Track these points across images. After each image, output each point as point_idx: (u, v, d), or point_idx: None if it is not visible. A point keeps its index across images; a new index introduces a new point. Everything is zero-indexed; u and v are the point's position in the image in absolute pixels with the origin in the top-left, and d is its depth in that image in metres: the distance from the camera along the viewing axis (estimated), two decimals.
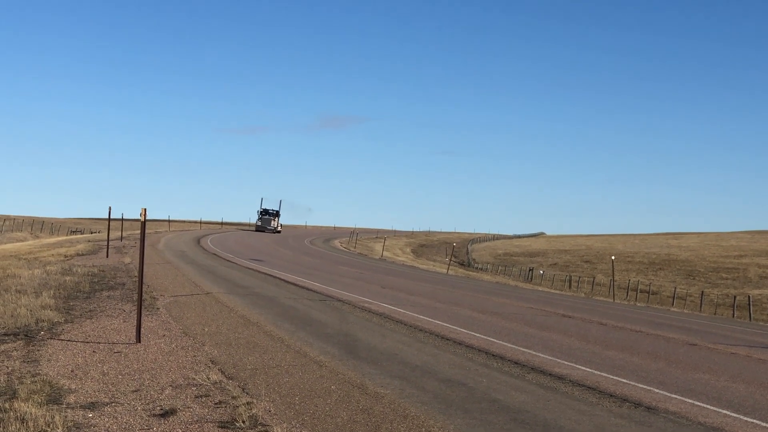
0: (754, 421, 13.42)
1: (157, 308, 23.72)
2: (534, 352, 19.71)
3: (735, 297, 74.95)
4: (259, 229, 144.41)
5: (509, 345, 20.84)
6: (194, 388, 13.08)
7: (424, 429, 11.30)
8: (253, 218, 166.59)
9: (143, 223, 18.20)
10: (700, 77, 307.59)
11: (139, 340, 17.45)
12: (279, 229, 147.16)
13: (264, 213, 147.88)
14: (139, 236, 20.78)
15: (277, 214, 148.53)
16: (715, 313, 69.50)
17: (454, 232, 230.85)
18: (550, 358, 18.99)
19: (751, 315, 66.26)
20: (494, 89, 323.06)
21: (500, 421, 12.08)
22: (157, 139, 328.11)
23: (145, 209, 17.50)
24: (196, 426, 10.96)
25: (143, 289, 19.96)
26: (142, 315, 19.56)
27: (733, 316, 66.34)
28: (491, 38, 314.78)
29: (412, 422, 11.61)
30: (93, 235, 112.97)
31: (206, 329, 20.10)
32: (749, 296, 74.53)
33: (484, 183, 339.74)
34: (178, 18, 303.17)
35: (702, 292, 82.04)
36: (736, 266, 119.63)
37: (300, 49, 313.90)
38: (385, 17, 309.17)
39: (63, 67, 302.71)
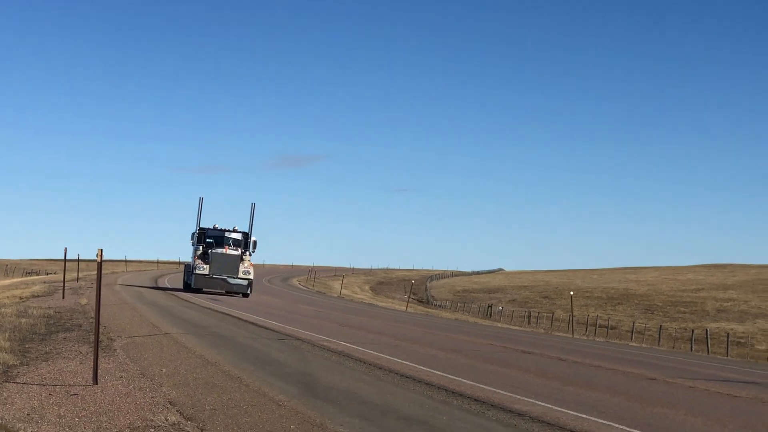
0: None
1: (114, 349, 23.52)
2: (494, 389, 19.69)
3: (693, 331, 75.37)
4: (198, 282, 66.02)
5: (469, 382, 20.80)
6: (152, 430, 12.96)
7: None
8: None
9: (99, 264, 18.07)
10: (653, 112, 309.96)
11: (96, 381, 17.28)
12: (247, 279, 66.72)
13: (214, 241, 67.58)
14: (95, 277, 20.62)
15: (246, 245, 67.80)
16: (673, 347, 69.84)
17: (413, 269, 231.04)
18: (509, 394, 18.97)
19: (709, 348, 66.64)
20: (450, 126, 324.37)
21: None
22: (113, 179, 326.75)
23: (101, 250, 17.37)
24: None
25: (100, 331, 19.79)
26: (99, 356, 19.39)
27: (691, 350, 66.70)
28: (443, 76, 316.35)
29: None
30: (49, 276, 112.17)
31: (164, 370, 19.94)
32: (707, 330, 74.97)
33: (443, 220, 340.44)
34: (134, 56, 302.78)
35: (660, 326, 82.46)
36: (693, 300, 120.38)
37: (257, 88, 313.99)
38: (340, 55, 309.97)
39: (15, 103, 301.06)
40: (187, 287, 69.47)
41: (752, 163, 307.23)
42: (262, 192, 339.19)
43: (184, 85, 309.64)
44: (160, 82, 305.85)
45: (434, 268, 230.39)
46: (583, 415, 16.44)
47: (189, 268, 70.22)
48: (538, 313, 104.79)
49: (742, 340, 78.69)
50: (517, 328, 79.00)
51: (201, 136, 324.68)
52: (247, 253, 67.25)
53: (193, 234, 68.44)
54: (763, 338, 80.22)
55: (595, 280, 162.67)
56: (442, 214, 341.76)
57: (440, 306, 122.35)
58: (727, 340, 69.08)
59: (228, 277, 65.59)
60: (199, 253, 66.88)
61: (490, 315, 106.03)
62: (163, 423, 13.43)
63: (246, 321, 38.24)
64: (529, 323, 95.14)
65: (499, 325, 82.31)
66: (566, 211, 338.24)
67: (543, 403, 17.77)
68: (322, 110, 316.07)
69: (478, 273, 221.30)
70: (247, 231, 68.13)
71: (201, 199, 68.23)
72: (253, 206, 68.58)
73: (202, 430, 13.08)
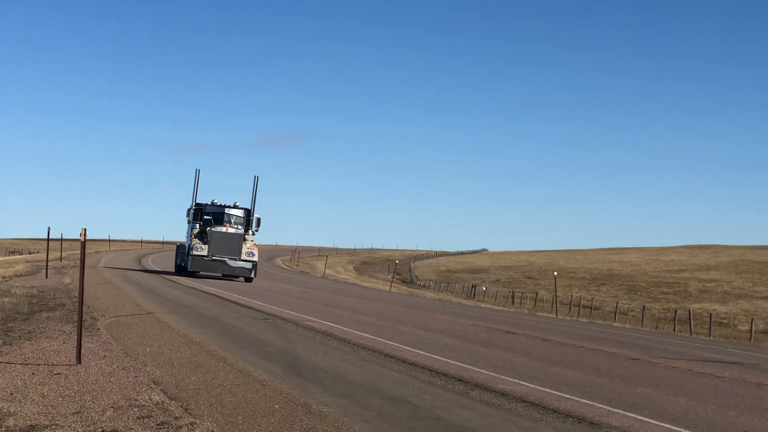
0: None
1: (98, 329, 23.48)
2: (477, 369, 19.71)
3: (676, 311, 75.67)
4: (195, 264, 59.28)
5: (453, 362, 20.83)
6: (136, 409, 12.93)
7: None
8: None
9: (83, 243, 18.01)
10: (638, 93, 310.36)
11: (79, 361, 17.24)
12: (251, 261, 60.23)
13: (212, 219, 60.68)
14: (78, 256, 20.60)
15: (248, 223, 60.93)
16: (656, 328, 70.05)
17: (397, 249, 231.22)
18: (493, 374, 19.00)
19: (692, 329, 66.89)
20: (435, 106, 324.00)
21: None
22: (96, 158, 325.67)
23: (85, 229, 17.32)
24: None
25: (83, 310, 19.75)
26: (83, 336, 19.35)
27: (674, 330, 66.94)
28: (428, 55, 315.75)
29: None
30: (32, 255, 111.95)
31: (148, 349, 19.91)
32: (690, 310, 75.27)
33: (427, 199, 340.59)
34: (116, 36, 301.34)
35: (644, 306, 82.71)
36: (677, 281, 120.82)
37: (240, 67, 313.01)
38: (323, 34, 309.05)
39: None
40: (180, 270, 62.93)
41: (736, 145, 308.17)
42: (245, 171, 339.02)
43: (167, 64, 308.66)
44: (142, 59, 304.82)
45: (418, 249, 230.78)
46: (567, 395, 16.47)
47: (183, 249, 63.17)
48: (522, 293, 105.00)
49: (725, 321, 78.99)
50: (500, 308, 79.15)
51: (184, 115, 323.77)
52: (250, 231, 60.26)
53: (189, 210, 61.35)
54: (746, 319, 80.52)
55: (579, 261, 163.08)
56: (427, 195, 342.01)
57: (424, 286, 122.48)
58: (710, 321, 69.33)
59: (229, 259, 58.87)
60: (195, 232, 59.85)
61: (474, 295, 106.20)
62: (147, 402, 13.41)
63: (230, 301, 38.22)
64: (513, 303, 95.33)
65: (483, 305, 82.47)
66: (550, 191, 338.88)
67: (527, 384, 17.80)
68: (306, 90, 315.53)
69: (462, 253, 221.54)
70: (249, 207, 61.14)
71: (197, 171, 60.66)
72: (256, 179, 61.26)
73: (185, 409, 13.06)
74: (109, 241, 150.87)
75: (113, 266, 72.70)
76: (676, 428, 13.86)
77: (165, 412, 12.75)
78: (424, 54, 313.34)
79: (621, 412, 15.03)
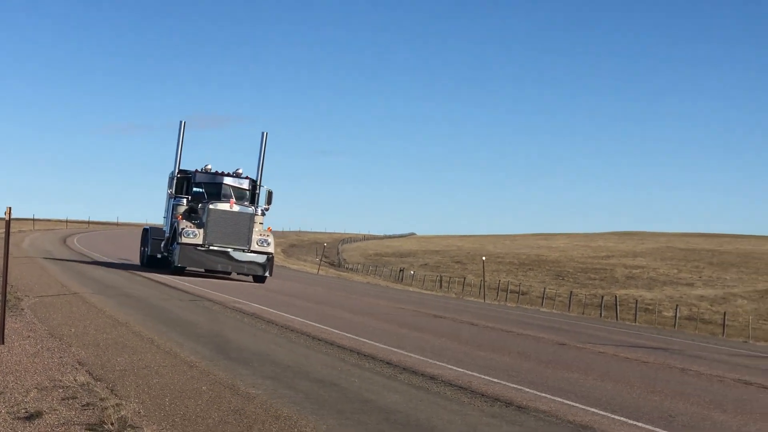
0: (622, 418, 13.59)
1: (22, 309, 23.17)
2: (406, 353, 19.72)
3: (602, 297, 76.36)
4: (184, 257, 42.25)
5: (381, 345, 20.82)
6: (61, 390, 12.76)
7: (296, 429, 11.18)
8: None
9: (8, 222, 17.76)
10: (569, 78, 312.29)
11: (2, 341, 16.99)
12: (265, 253, 43.30)
13: (205, 192, 44.80)
14: (3, 235, 20.30)
15: (254, 199, 45.42)
16: (583, 313, 70.73)
17: (325, 232, 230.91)
18: (422, 358, 19.02)
19: (618, 314, 67.59)
20: (363, 88, 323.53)
21: (373, 421, 12.02)
22: (22, 135, 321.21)
23: (9, 208, 17.08)
24: (63, 429, 10.68)
25: (7, 290, 19.47)
26: (6, 316, 19.07)
27: (601, 316, 67.60)
28: (360, 36, 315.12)
29: (284, 423, 11.48)
30: None
31: (73, 330, 19.69)
32: (616, 296, 76.11)
33: (355, 182, 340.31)
34: (59, 13, 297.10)
35: (570, 292, 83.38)
36: (603, 267, 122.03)
37: (180, 46, 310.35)
38: (261, 17, 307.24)
39: None
40: (153, 263, 47.10)
41: (662, 132, 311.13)
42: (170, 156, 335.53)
43: (100, 39, 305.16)
44: (70, 34, 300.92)
45: (347, 232, 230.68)
46: (495, 380, 16.52)
47: (158, 234, 47.44)
48: (450, 277, 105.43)
49: (650, 307, 79.91)
50: (428, 292, 79.44)
51: (118, 92, 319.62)
52: (259, 210, 44.57)
53: (171, 179, 45.68)
54: (670, 305, 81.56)
55: (506, 246, 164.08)
56: (355, 178, 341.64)
57: (352, 269, 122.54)
58: (636, 307, 70.14)
59: (234, 249, 42.49)
60: (182, 209, 44.25)
61: (402, 279, 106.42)
62: (72, 383, 13.24)
63: (157, 282, 37.94)
64: (441, 288, 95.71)
65: (411, 289, 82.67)
66: (478, 176, 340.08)
67: (455, 368, 17.82)
68: (238, 71, 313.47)
69: (390, 237, 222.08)
70: (255, 178, 46.13)
71: (182, 123, 46.63)
72: (264, 137, 47.04)
73: (111, 390, 12.91)
74: (34, 220, 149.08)
75: (38, 245, 71.93)
76: (602, 412, 13.94)
77: (90, 393, 12.59)
78: (354, 36, 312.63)
79: (548, 396, 15.10)
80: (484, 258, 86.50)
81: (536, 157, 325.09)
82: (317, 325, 24.59)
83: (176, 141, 46.55)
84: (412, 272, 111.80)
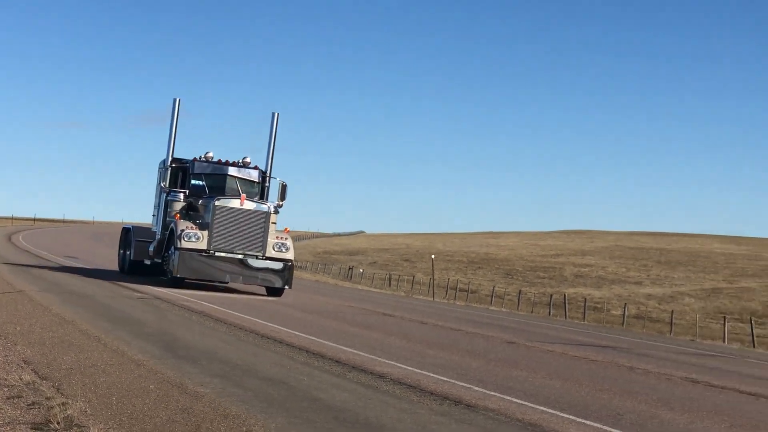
0: (570, 417, 13.63)
1: None
2: (355, 351, 19.68)
3: (551, 296, 76.61)
4: (184, 266, 34.76)
5: (330, 344, 20.77)
6: (6, 389, 12.61)
7: (245, 428, 11.11)
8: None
9: None
10: (520, 78, 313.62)
11: None
12: (284, 260, 36.05)
13: (207, 185, 37.86)
14: None
15: (263, 194, 39.06)
16: (532, 312, 70.95)
17: None
18: (371, 356, 18.99)
19: (567, 313, 67.84)
20: (315, 84, 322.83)
21: (322, 419, 11.97)
22: None
23: None
24: (8, 428, 10.55)
25: None
26: None
27: (550, 315, 67.83)
28: (296, 27, 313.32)
29: (232, 421, 11.41)
30: None
31: (18, 328, 19.47)
32: (565, 295, 76.34)
33: (305, 180, 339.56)
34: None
35: (519, 290, 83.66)
36: (552, 265, 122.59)
37: (113, 44, 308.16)
38: (189, 13, 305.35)
39: None
40: (135, 269, 41.00)
41: (613, 132, 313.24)
42: (118, 151, 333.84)
43: (38, 37, 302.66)
44: (15, 35, 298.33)
45: (295, 230, 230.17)
46: (444, 378, 16.52)
47: (145, 236, 40.76)
48: (399, 276, 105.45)
49: (599, 306, 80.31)
50: (377, 290, 79.42)
51: (52, 89, 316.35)
52: (272, 207, 37.07)
53: (164, 168, 38.79)
54: (619, 304, 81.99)
55: (456, 244, 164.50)
56: (304, 175, 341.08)
57: (301, 267, 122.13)
58: (584, 306, 70.42)
59: (246, 255, 35.53)
60: (180, 206, 37.80)
61: (351, 277, 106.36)
62: (17, 382, 13.09)
63: (103, 279, 37.63)
64: (390, 286, 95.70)
65: (360, 287, 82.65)
66: (428, 174, 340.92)
67: (404, 366, 17.81)
68: (180, 67, 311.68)
69: (339, 235, 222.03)
70: (264, 170, 40.12)
71: (177, 101, 39.01)
72: (276, 117, 40.87)
73: (57, 389, 12.78)
74: None
75: None
76: (551, 411, 13.97)
77: (36, 392, 12.45)
78: (288, 27, 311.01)
79: (497, 395, 15.11)
80: (433, 256, 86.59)
81: (486, 156, 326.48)
82: (266, 323, 24.50)
83: (169, 123, 39.14)
84: (361, 270, 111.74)
